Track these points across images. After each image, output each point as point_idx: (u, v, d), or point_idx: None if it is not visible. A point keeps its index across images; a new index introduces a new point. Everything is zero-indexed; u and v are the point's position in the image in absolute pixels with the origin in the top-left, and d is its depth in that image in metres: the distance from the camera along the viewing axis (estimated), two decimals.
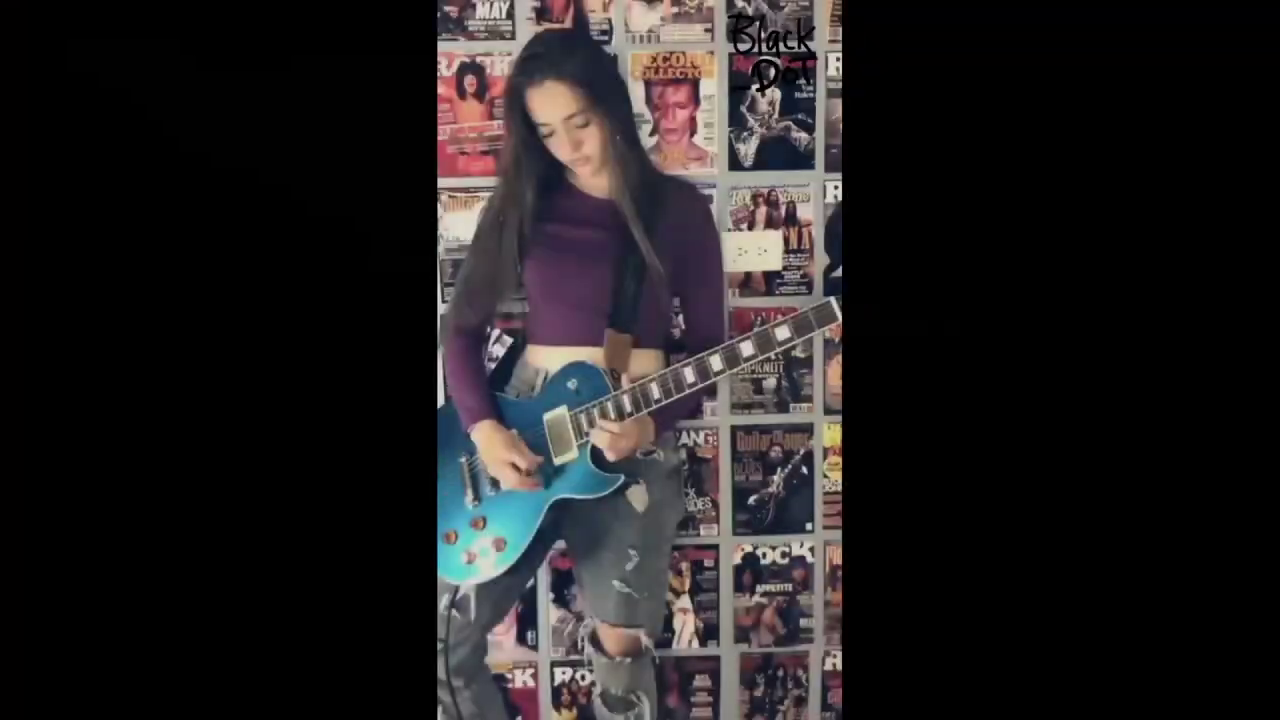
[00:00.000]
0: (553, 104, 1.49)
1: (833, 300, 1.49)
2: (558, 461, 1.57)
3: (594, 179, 1.60)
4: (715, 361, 1.50)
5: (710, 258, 1.69)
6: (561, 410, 1.56)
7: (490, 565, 1.60)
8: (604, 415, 1.53)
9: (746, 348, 1.50)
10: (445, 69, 1.83)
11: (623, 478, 1.56)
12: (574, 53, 1.52)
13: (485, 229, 1.64)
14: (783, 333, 1.49)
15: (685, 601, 1.99)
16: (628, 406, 1.52)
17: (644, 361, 1.61)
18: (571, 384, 1.57)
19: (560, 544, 1.80)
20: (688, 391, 1.52)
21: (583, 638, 1.81)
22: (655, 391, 1.52)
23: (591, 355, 1.57)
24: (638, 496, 1.62)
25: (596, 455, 1.56)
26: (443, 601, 1.63)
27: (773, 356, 1.58)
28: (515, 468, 1.55)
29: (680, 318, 1.77)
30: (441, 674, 1.67)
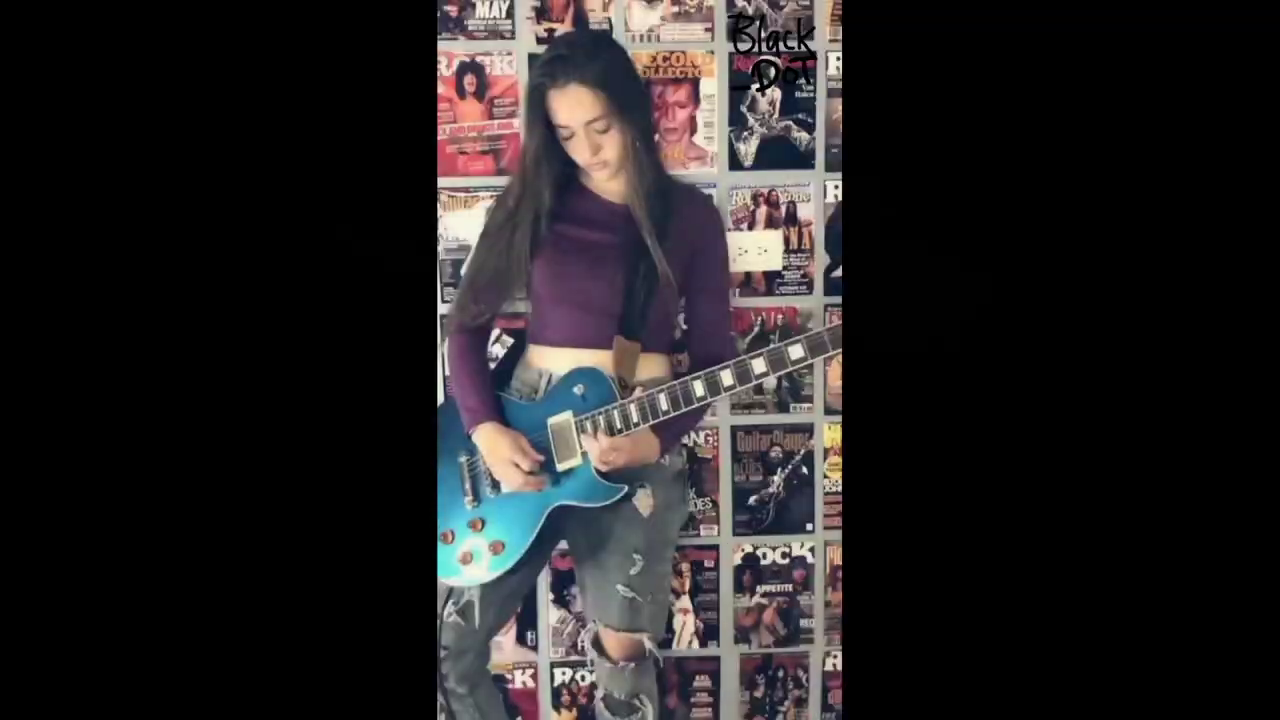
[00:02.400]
0: (574, 107, 1.48)
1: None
2: (561, 468, 1.56)
3: (610, 183, 1.59)
4: (726, 377, 1.49)
5: (718, 265, 1.67)
6: (567, 415, 1.55)
7: (487, 568, 1.60)
8: (609, 423, 1.52)
9: (759, 365, 1.48)
10: (445, 69, 1.83)
11: (625, 488, 1.55)
12: (598, 57, 1.50)
13: (496, 226, 1.62)
14: (796, 352, 1.47)
15: (685, 602, 1.99)
16: (634, 416, 1.51)
17: (649, 366, 1.60)
18: (578, 389, 1.55)
19: (562, 544, 1.80)
20: (696, 405, 1.51)
21: (585, 641, 1.80)
22: (663, 403, 1.50)
23: (597, 359, 1.56)
24: (643, 501, 1.61)
25: None
26: (441, 604, 1.63)
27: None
28: (519, 468, 1.55)
29: (682, 318, 1.77)
30: (448, 681, 1.66)
